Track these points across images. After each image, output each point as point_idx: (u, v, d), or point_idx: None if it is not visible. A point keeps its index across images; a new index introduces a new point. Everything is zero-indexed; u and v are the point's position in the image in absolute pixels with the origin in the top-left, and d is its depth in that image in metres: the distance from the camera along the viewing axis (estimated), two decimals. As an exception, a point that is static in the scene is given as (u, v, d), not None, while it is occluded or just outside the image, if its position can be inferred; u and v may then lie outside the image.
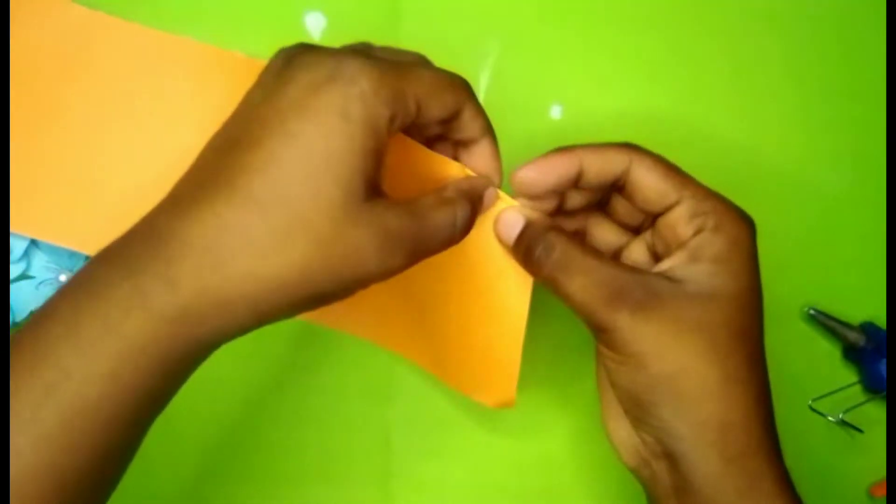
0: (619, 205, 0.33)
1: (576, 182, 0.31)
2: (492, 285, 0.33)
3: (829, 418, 0.40)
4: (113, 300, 0.24)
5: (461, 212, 0.29)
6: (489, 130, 0.31)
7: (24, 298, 0.38)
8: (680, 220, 0.30)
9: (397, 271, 0.27)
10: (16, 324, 0.38)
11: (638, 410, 0.29)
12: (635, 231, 0.33)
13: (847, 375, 0.41)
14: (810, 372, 0.40)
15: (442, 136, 0.32)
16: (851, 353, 0.40)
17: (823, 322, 0.40)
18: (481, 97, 0.39)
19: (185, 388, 0.39)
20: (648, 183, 0.30)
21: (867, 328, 0.40)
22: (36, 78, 0.37)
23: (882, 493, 0.40)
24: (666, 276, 0.29)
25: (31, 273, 0.38)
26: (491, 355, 0.34)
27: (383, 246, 0.26)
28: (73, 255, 0.38)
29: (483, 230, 0.32)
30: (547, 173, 0.31)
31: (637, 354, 0.28)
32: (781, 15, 0.41)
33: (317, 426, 0.39)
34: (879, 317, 0.40)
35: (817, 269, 0.41)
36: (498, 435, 0.40)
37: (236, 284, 0.25)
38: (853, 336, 0.39)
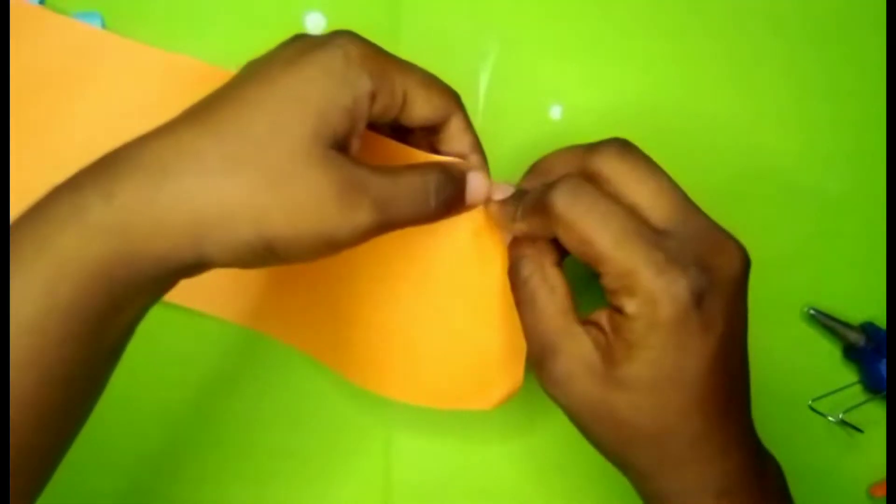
0: None
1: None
2: (498, 272, 0.32)
3: (829, 418, 0.40)
4: (52, 217, 0.24)
5: (434, 177, 0.28)
6: (478, 148, 0.31)
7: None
8: (604, 289, 0.27)
9: (365, 232, 0.26)
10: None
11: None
12: None
13: (847, 375, 0.41)
14: (810, 372, 0.40)
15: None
16: (851, 353, 0.40)
17: (823, 322, 0.40)
18: (481, 97, 0.39)
19: (182, 389, 0.39)
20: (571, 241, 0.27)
21: (867, 328, 0.40)
22: (35, 95, 0.37)
23: (882, 493, 0.40)
24: (594, 334, 0.28)
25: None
26: (495, 347, 0.33)
27: (343, 194, 0.25)
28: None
29: (474, 221, 0.32)
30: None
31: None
32: (781, 15, 0.41)
33: (315, 427, 0.39)
34: (879, 317, 0.40)
35: (817, 269, 0.41)
36: (497, 435, 0.40)
37: (176, 202, 0.24)
38: (853, 336, 0.39)
